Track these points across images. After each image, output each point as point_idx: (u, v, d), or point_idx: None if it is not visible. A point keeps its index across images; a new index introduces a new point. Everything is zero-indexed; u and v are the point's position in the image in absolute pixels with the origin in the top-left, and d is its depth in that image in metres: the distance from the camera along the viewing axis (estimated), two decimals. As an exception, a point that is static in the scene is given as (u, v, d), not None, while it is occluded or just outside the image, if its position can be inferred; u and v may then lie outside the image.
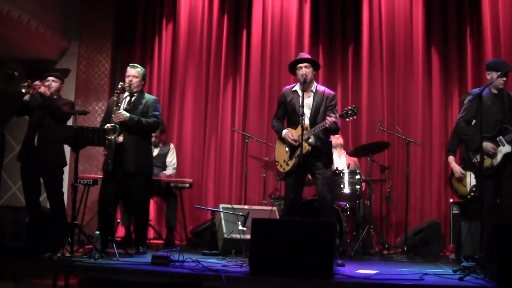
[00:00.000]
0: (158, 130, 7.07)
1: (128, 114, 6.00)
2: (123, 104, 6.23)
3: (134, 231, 6.45)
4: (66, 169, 6.51)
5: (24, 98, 6.21)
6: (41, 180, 6.31)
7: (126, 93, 6.27)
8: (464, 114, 5.90)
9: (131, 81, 6.23)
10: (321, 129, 5.74)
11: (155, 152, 7.73)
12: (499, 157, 5.63)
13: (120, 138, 5.99)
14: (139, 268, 4.90)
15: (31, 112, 6.34)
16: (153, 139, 7.08)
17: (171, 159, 7.96)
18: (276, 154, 6.20)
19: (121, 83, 6.26)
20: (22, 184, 6.34)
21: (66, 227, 5.68)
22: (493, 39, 8.10)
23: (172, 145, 8.12)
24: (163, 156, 7.87)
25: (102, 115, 7.39)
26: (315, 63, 6.05)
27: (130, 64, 6.42)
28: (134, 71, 6.28)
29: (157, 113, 6.28)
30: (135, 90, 6.27)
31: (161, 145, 7.89)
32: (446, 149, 7.79)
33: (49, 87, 6.33)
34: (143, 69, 6.39)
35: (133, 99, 6.26)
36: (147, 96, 6.39)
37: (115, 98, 6.13)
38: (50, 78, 6.45)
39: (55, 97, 6.39)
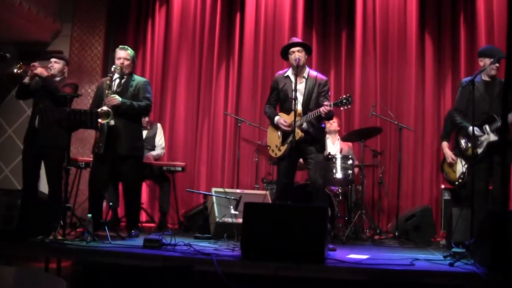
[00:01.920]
0: None
1: (120, 99, 5.97)
2: (113, 86, 6.20)
3: (126, 215, 6.46)
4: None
5: (24, 81, 6.20)
6: (42, 163, 6.32)
7: (116, 75, 6.22)
8: (457, 104, 5.95)
9: (122, 63, 6.19)
10: (314, 116, 5.75)
11: (144, 134, 7.72)
12: (483, 145, 5.67)
13: (112, 122, 5.97)
14: (131, 251, 4.89)
15: (32, 95, 6.33)
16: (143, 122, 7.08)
17: (159, 139, 7.95)
18: (268, 139, 6.21)
19: (114, 66, 6.21)
20: (22, 165, 6.35)
21: (59, 210, 5.68)
22: (487, 26, 8.11)
23: (159, 125, 8.09)
24: (152, 138, 7.84)
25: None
26: (307, 47, 6.04)
27: (120, 46, 6.37)
28: (124, 53, 6.25)
29: (148, 95, 6.26)
30: (126, 72, 6.24)
31: (148, 127, 7.86)
32: (439, 135, 7.84)
33: (51, 68, 6.33)
34: (133, 51, 6.36)
35: (123, 81, 6.22)
36: (137, 78, 6.36)
37: (108, 82, 6.08)
38: (53, 60, 6.46)
39: (58, 78, 6.39)
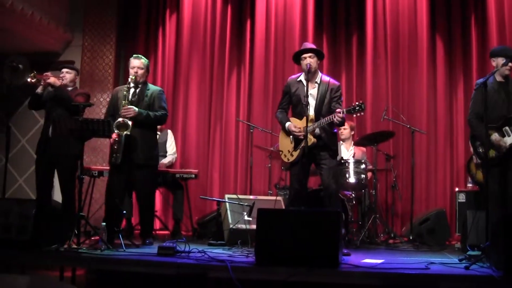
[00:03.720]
0: None
1: (137, 109, 5.97)
2: (129, 96, 6.20)
3: (140, 223, 6.46)
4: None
5: (36, 91, 6.25)
6: (55, 172, 6.37)
7: (131, 84, 6.25)
8: (472, 108, 5.83)
9: (136, 72, 6.19)
10: (327, 123, 5.74)
11: (155, 142, 7.78)
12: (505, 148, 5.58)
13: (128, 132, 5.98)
14: (145, 259, 4.89)
15: (44, 105, 6.38)
16: None
17: (170, 145, 7.97)
18: (280, 143, 6.21)
19: (131, 76, 6.15)
20: (35, 175, 6.41)
21: (72, 218, 5.69)
22: (498, 25, 8.06)
23: (169, 131, 8.12)
24: (163, 144, 7.85)
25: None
26: (319, 52, 6.05)
27: (134, 56, 6.37)
28: (138, 62, 6.24)
29: (164, 104, 6.28)
30: (140, 81, 6.26)
31: (159, 133, 7.88)
32: (452, 137, 7.82)
33: (63, 78, 6.38)
34: (147, 60, 6.36)
35: (137, 90, 6.22)
36: (152, 87, 6.37)
37: (125, 93, 6.06)
38: (64, 70, 6.53)
39: (70, 88, 6.43)
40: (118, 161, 5.96)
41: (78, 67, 8.10)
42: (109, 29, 9.23)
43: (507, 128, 5.57)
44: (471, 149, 6.90)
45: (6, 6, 7.38)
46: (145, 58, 6.35)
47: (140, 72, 6.22)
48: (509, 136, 5.57)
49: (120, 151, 5.96)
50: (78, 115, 5.81)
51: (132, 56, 6.40)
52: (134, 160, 6.04)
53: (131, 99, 6.14)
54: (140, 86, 6.25)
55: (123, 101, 6.02)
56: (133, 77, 6.14)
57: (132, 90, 6.20)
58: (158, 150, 6.59)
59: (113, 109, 6.15)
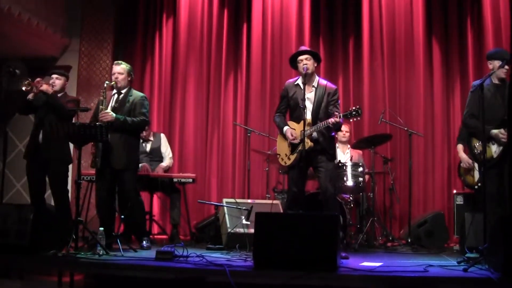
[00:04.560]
0: None
1: (114, 115, 6.02)
2: (111, 102, 6.26)
3: (134, 226, 6.46)
4: (69, 166, 6.54)
5: (27, 97, 6.25)
6: (46, 177, 6.35)
7: (114, 91, 6.31)
8: (468, 109, 5.83)
9: (116, 78, 6.26)
10: (323, 127, 5.75)
11: (148, 147, 7.76)
12: (500, 148, 5.58)
13: None
14: (143, 263, 4.89)
15: (35, 110, 6.38)
16: (143, 134, 7.24)
17: (166, 149, 7.96)
18: (277, 147, 6.22)
19: (106, 81, 6.31)
20: (27, 181, 6.41)
21: (70, 223, 5.69)
22: (494, 28, 8.08)
23: (162, 135, 8.09)
24: (157, 149, 7.85)
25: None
26: (315, 55, 6.05)
27: (115, 62, 6.49)
28: (119, 68, 6.31)
29: (144, 110, 6.27)
30: (121, 87, 6.29)
31: (151, 138, 7.87)
32: (450, 139, 7.81)
33: (53, 84, 6.38)
34: (128, 65, 6.41)
35: (120, 96, 6.29)
36: (135, 93, 6.39)
37: (101, 98, 6.15)
38: (54, 76, 6.51)
39: (60, 94, 6.44)
40: (98, 165, 6.06)
41: (75, 72, 8.11)
42: (106, 34, 9.22)
43: (502, 130, 5.55)
44: (460, 154, 6.96)
45: (3, 11, 7.37)
46: (126, 64, 6.40)
47: (121, 77, 6.28)
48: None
49: (98, 155, 6.06)
50: (69, 121, 5.83)
51: (114, 62, 6.50)
52: (114, 166, 6.08)
53: (114, 105, 6.22)
54: (123, 92, 6.30)
55: (100, 106, 6.09)
56: (113, 83, 6.24)
57: (116, 96, 6.29)
58: (138, 153, 6.59)
59: (96, 116, 6.23)
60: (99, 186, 6.23)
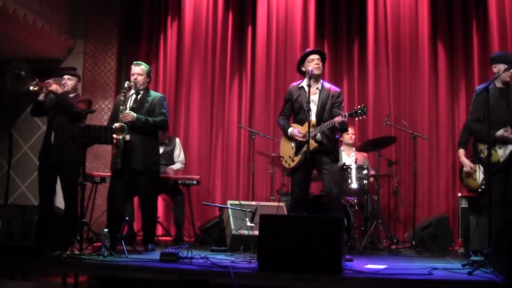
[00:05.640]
0: None
1: (135, 115, 6.01)
2: (129, 102, 6.24)
3: (143, 229, 6.46)
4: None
5: (38, 98, 6.28)
6: (58, 179, 6.39)
7: (132, 91, 6.30)
8: (472, 114, 5.83)
9: (136, 79, 6.25)
10: (328, 127, 5.74)
11: (161, 150, 7.75)
12: (506, 152, 5.57)
13: (127, 137, 6.00)
14: (148, 265, 4.90)
15: (47, 112, 6.40)
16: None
17: (179, 153, 7.97)
18: (281, 149, 6.21)
19: (127, 82, 6.27)
20: (38, 182, 6.43)
21: (75, 224, 5.70)
22: (500, 31, 8.06)
23: (177, 140, 8.11)
24: (169, 152, 7.87)
25: (109, 113, 7.44)
26: (324, 57, 6.09)
27: (134, 62, 6.45)
28: (138, 69, 6.30)
29: (164, 110, 6.29)
30: (140, 87, 6.29)
31: (166, 141, 7.89)
32: (454, 143, 7.79)
33: (64, 85, 6.41)
34: (148, 66, 6.40)
35: (139, 96, 6.28)
36: (153, 93, 6.41)
37: (122, 98, 6.15)
38: (66, 76, 6.56)
39: (72, 95, 6.46)
40: (118, 166, 6.01)
41: (80, 74, 8.11)
42: (111, 36, 9.23)
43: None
44: (461, 159, 6.94)
45: (8, 12, 7.39)
46: (145, 64, 6.39)
47: (140, 78, 6.27)
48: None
49: (119, 156, 6.01)
50: (80, 121, 5.84)
51: (133, 62, 6.45)
52: (134, 166, 6.07)
53: (132, 105, 6.20)
54: (141, 92, 6.29)
55: (121, 107, 6.08)
56: (133, 83, 6.21)
57: (134, 97, 6.26)
58: (159, 156, 6.60)
59: (116, 116, 6.17)
60: (115, 187, 6.16)
